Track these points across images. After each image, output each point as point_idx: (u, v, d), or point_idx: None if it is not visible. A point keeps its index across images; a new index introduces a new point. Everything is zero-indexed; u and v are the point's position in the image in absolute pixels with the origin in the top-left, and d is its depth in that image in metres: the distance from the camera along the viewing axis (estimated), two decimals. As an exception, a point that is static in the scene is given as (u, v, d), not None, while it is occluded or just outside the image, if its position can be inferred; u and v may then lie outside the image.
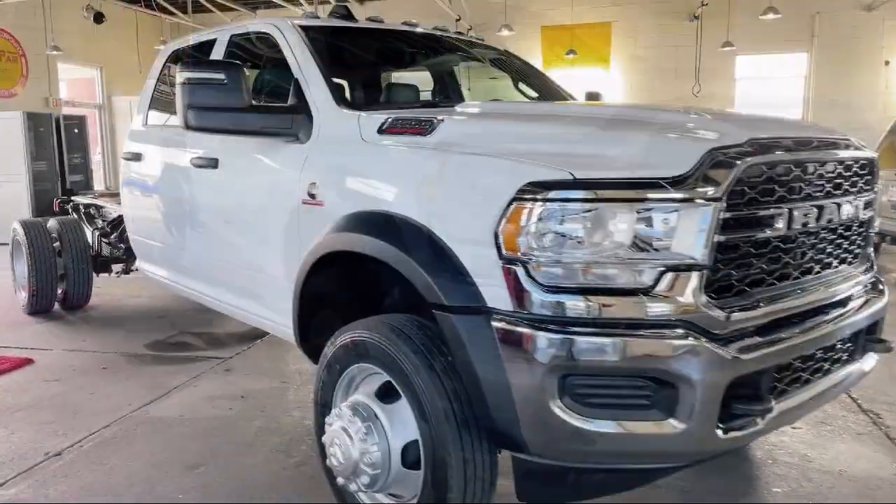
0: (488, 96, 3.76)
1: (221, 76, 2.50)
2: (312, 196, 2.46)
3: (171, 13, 12.99)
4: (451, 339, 1.90)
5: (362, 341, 2.14)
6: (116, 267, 5.77)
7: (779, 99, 12.47)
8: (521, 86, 3.66)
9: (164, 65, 3.99)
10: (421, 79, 3.82)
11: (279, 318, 2.81)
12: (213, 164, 3.12)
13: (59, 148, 10.45)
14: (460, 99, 3.68)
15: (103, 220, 6.08)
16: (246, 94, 2.53)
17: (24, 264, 5.49)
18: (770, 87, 12.70)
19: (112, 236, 5.61)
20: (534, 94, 3.63)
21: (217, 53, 3.37)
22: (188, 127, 2.54)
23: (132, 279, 5.74)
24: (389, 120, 2.35)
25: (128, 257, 5.39)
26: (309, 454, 2.96)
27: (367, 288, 2.55)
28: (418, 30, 3.50)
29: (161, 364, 4.25)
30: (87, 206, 6.19)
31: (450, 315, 1.88)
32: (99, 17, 10.98)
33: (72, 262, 5.38)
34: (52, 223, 5.54)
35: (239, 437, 3.15)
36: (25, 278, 5.61)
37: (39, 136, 10.04)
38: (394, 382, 2.08)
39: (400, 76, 3.73)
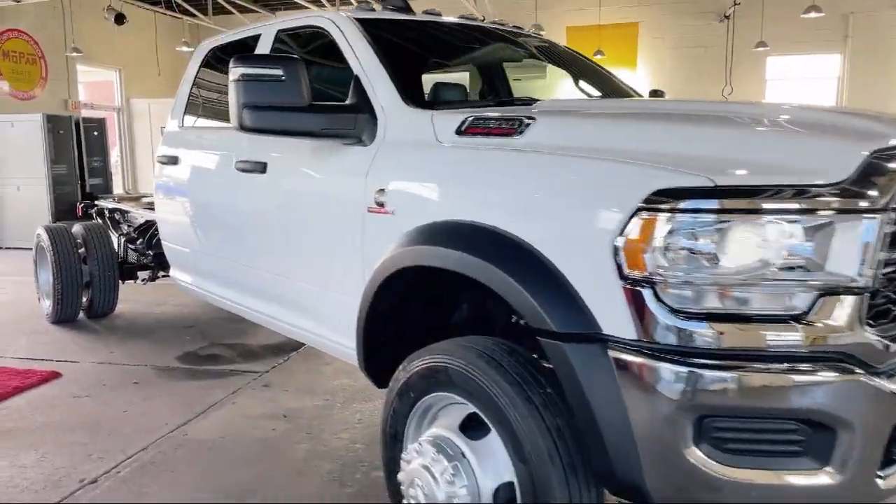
0: (547, 94, 3.51)
1: (279, 72, 2.27)
2: (380, 204, 2.22)
3: (192, 14, 12.84)
4: (560, 371, 1.65)
5: (444, 368, 1.90)
6: (142, 274, 5.56)
7: (811, 101, 12.16)
8: (583, 83, 3.41)
9: (200, 64, 3.77)
10: (463, 78, 3.58)
11: (336, 335, 2.58)
12: (260, 168, 2.89)
13: (78, 151, 10.30)
14: (510, 97, 3.44)
15: (128, 226, 5.89)
16: (305, 91, 2.30)
17: (49, 271, 5.29)
18: (802, 88, 12.39)
19: (139, 242, 5.40)
20: (597, 92, 3.38)
21: (262, 51, 3.14)
22: (243, 128, 2.30)
23: (158, 286, 5.54)
24: (469, 119, 2.11)
25: (156, 264, 5.18)
26: (365, 483, 2.72)
27: (435, 305, 2.32)
28: (479, 24, 3.27)
29: (195, 378, 4.03)
30: (112, 210, 6.00)
31: (559, 343, 1.64)
32: (120, 18, 10.82)
33: (98, 269, 5.17)
34: (76, 228, 5.35)
35: (287, 463, 2.92)
36: (50, 286, 5.41)
37: (59, 138, 9.88)
38: (482, 415, 1.83)
39: (453, 74, 3.49)
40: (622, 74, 12.84)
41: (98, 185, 10.66)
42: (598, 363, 1.59)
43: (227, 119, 4.07)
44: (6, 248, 9.91)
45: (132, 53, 13.09)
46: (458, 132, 2.10)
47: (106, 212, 6.10)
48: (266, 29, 3.21)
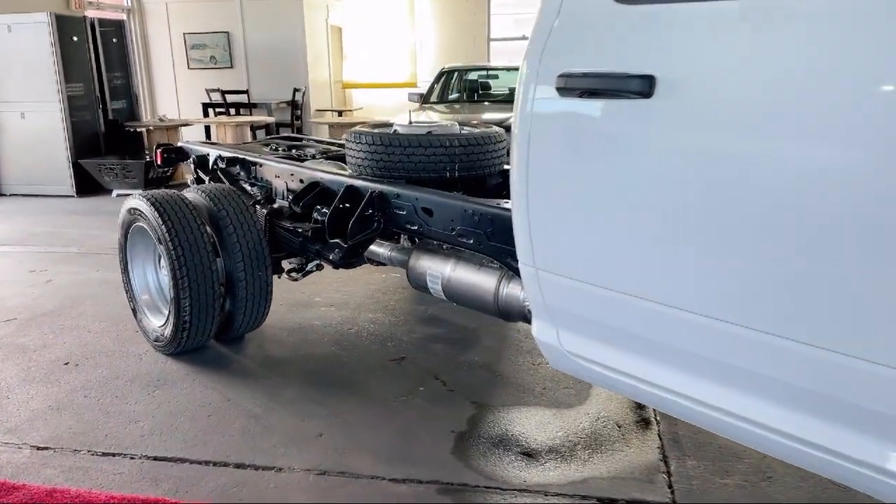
0: None
1: None
2: None
3: None
4: None
5: None
6: (287, 264, 3.46)
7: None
8: None
9: None
10: None
11: None
12: None
13: (97, 64, 7.84)
14: None
15: (252, 184, 3.69)
16: None
17: (157, 271, 3.19)
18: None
19: (297, 217, 3.22)
20: None
21: None
22: None
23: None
24: None
25: (344, 260, 3.01)
26: None
27: None
28: None
29: (548, 523, 2.04)
30: (229, 160, 3.79)
31: None
32: None
33: (242, 266, 3.04)
34: (195, 196, 3.17)
35: None
36: (153, 294, 3.30)
37: (71, 47, 7.41)
38: None
39: None
40: None
41: (121, 110, 8.26)
42: None
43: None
44: (9, 195, 7.58)
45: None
46: None
47: (214, 161, 3.89)
48: None
